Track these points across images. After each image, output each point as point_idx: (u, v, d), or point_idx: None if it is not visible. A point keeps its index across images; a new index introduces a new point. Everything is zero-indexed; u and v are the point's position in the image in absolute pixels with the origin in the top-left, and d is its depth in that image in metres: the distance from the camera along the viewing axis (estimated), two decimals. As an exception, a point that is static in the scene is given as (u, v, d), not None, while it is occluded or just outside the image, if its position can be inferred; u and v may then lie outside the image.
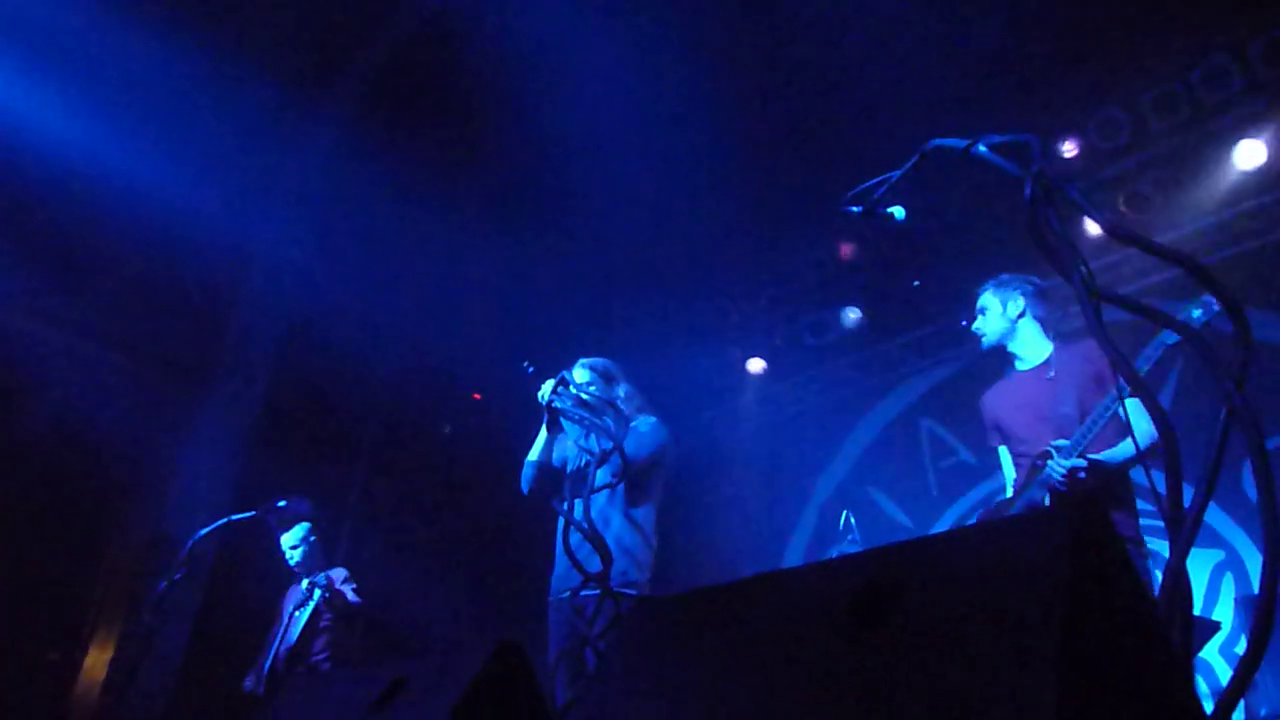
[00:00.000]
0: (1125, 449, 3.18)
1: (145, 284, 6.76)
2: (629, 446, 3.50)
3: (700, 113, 6.54)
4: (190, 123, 6.61)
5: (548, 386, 3.54)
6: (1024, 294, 3.62)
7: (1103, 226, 1.74)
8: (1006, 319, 3.61)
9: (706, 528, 7.57)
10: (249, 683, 4.89)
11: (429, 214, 6.98)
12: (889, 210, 2.32)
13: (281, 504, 4.82)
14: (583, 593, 3.33)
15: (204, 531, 4.52)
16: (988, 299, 3.68)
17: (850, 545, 5.10)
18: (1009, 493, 3.55)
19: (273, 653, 4.82)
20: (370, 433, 8.07)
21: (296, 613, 4.92)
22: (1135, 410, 3.07)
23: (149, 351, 6.87)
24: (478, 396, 8.47)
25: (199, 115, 6.63)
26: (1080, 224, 6.28)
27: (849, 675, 0.98)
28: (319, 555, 5.27)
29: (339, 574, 5.16)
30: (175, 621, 6.03)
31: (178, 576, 4.39)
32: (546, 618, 3.66)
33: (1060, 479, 3.16)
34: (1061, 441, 3.23)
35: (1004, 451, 3.67)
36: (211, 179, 6.63)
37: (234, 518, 4.70)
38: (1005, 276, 3.72)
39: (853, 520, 5.10)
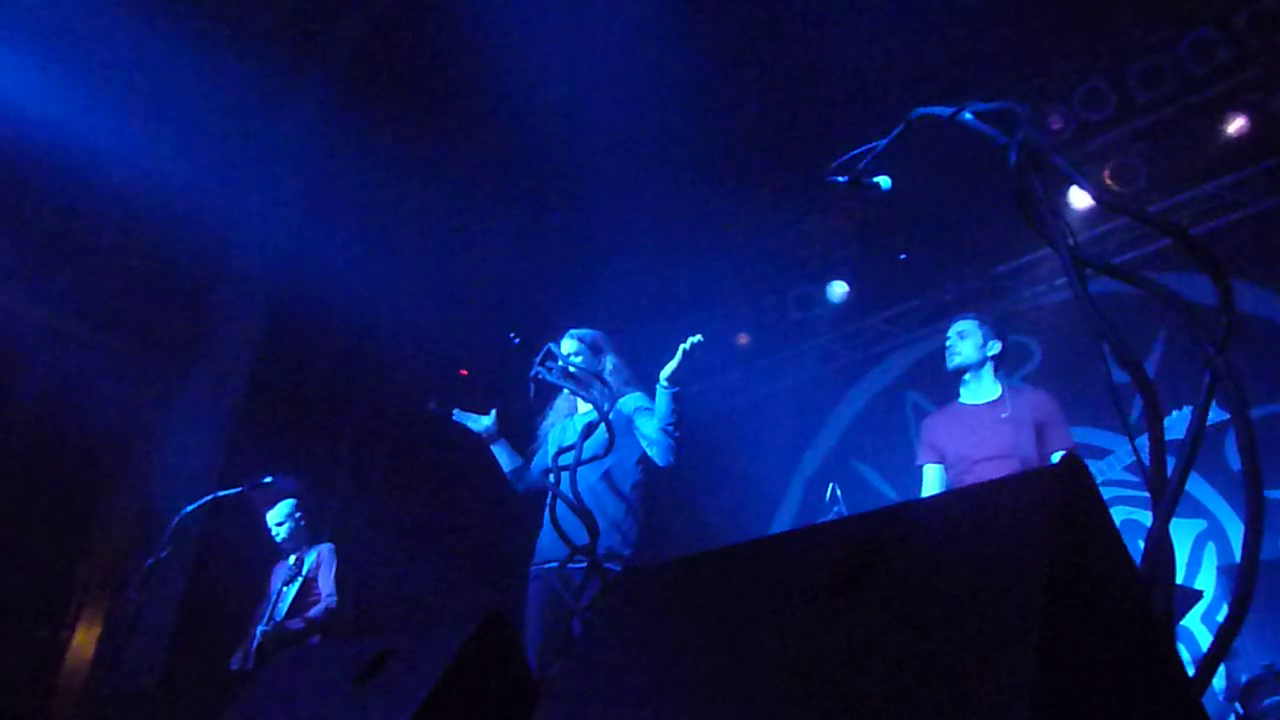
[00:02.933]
0: None
1: (128, 260, 6.70)
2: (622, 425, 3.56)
3: (686, 85, 6.49)
4: (171, 96, 6.51)
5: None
6: (1000, 340, 3.92)
7: (1091, 194, 1.73)
8: (981, 354, 3.88)
9: (693, 502, 7.58)
10: (236, 662, 4.88)
11: (414, 187, 6.93)
12: (875, 180, 2.28)
13: (268, 480, 4.79)
14: (569, 565, 3.33)
15: (190, 508, 4.50)
16: (971, 327, 3.92)
17: (836, 518, 5.11)
18: None
19: (259, 629, 4.81)
20: (356, 408, 8.04)
21: (284, 588, 4.91)
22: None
23: (133, 328, 6.82)
24: (465, 372, 8.44)
25: (180, 88, 6.53)
26: (1065, 196, 6.30)
27: (832, 640, 0.98)
28: (306, 531, 5.27)
29: (326, 549, 5.15)
30: (162, 598, 6.01)
31: (164, 554, 4.37)
32: (527, 588, 3.67)
33: None
34: None
35: (935, 470, 3.96)
36: (194, 153, 6.55)
37: (220, 494, 4.68)
38: (989, 317, 4.03)
39: (839, 493, 5.10)
